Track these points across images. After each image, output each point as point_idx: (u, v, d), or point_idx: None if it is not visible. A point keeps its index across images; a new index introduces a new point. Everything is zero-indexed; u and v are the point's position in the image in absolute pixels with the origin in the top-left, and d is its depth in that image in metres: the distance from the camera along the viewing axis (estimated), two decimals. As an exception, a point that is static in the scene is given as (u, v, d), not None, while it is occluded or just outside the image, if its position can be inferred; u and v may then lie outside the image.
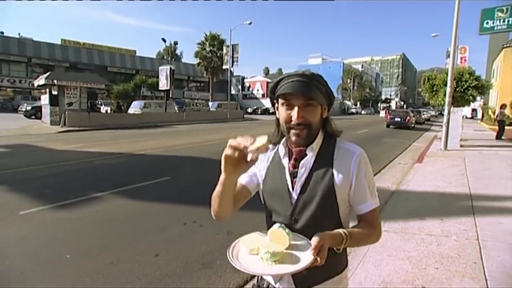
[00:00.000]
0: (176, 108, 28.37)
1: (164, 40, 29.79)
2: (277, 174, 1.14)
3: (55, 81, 19.47)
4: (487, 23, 13.48)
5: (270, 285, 1.18)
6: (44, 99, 21.27)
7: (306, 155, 1.10)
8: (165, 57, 55.33)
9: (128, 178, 6.38)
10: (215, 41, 35.51)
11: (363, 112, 59.25)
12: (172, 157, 8.98)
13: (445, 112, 11.08)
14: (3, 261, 3.17)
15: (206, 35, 36.23)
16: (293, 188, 1.11)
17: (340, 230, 1.01)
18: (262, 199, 1.21)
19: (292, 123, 1.06)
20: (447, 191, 5.66)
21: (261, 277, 1.22)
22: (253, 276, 1.73)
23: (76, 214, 4.42)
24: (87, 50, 44.13)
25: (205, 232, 3.90)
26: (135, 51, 50.41)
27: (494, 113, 20.03)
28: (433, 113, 43.75)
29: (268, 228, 1.09)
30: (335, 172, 1.07)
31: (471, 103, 13.99)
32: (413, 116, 23.56)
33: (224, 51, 33.15)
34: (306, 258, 0.92)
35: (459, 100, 12.53)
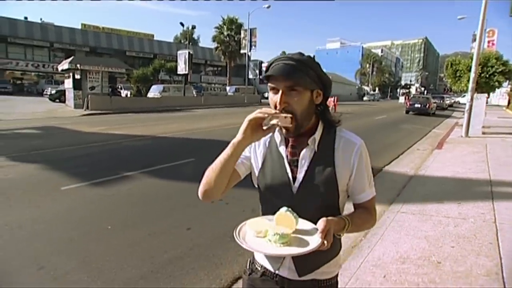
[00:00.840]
0: (194, 93, 28.70)
1: (182, 24, 29.98)
2: (276, 163, 1.12)
3: (78, 65, 20.01)
4: None
5: (266, 271, 1.18)
6: (68, 83, 21.95)
7: (304, 141, 1.09)
8: (182, 41, 55.48)
9: (153, 159, 6.72)
10: (233, 25, 35.29)
11: (365, 98, 53.54)
12: (194, 140, 9.29)
13: (468, 98, 10.88)
14: (54, 230, 3.53)
15: (223, 19, 36.02)
16: (294, 178, 1.09)
17: (343, 216, 1.04)
18: (256, 185, 1.18)
19: (277, 108, 1.02)
20: (466, 177, 5.72)
21: (253, 261, 1.24)
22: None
23: (111, 191, 4.77)
24: (106, 35, 44.66)
25: (230, 209, 4.15)
26: (153, 35, 50.66)
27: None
28: (457, 99, 42.52)
29: (263, 214, 1.14)
30: (336, 163, 1.07)
31: (496, 89, 13.64)
32: (434, 102, 23.38)
33: (242, 35, 32.96)
34: (313, 241, 0.93)
35: (484, 86, 12.29)
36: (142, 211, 4.11)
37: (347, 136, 1.11)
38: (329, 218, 0.95)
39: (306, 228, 1.00)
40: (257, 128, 1.00)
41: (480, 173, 5.97)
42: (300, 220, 1.01)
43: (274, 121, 0.97)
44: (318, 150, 1.08)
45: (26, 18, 39.73)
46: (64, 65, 20.96)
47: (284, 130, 1.06)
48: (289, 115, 0.97)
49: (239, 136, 1.01)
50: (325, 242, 0.91)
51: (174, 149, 8.01)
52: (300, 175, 1.08)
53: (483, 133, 11.16)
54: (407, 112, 22.22)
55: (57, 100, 25.06)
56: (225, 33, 35.69)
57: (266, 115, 0.97)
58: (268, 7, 29.19)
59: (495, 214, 3.91)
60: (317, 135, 1.09)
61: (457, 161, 6.98)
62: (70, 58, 21.09)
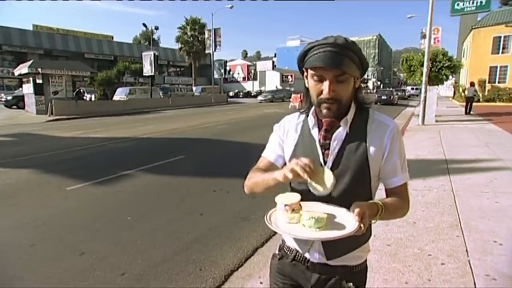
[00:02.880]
0: (160, 94, 28.47)
1: (145, 25, 29.58)
2: (308, 146, 1.12)
3: (40, 69, 19.19)
4: (457, 4, 13.95)
5: (296, 255, 1.18)
6: (27, 88, 20.90)
7: (337, 126, 1.08)
8: (141, 42, 54.18)
9: (145, 158, 7.00)
10: (196, 25, 35.33)
11: None
12: (176, 139, 9.60)
13: (422, 91, 12.17)
14: (77, 223, 3.83)
15: (186, 19, 35.93)
16: (324, 161, 1.08)
17: (376, 201, 1.00)
18: None
19: (323, 97, 1.02)
20: (426, 158, 6.67)
21: (283, 246, 1.24)
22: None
23: (116, 188, 5.07)
24: (61, 36, 42.48)
25: (233, 196, 4.65)
26: (112, 37, 48.95)
27: (464, 91, 21.57)
28: (412, 92, 46.52)
29: None
30: (368, 145, 1.05)
31: (444, 82, 15.24)
32: (397, 94, 29.41)
33: (206, 35, 33.12)
34: (350, 225, 0.91)
35: (434, 79, 13.69)
36: (154, 203, 4.48)
37: (380, 119, 1.10)
38: (362, 202, 0.94)
39: (340, 213, 0.98)
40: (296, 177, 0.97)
41: (437, 154, 6.96)
42: (333, 206, 1.01)
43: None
44: (351, 132, 1.07)
45: (-32, 19, 36.80)
46: (22, 69, 19.98)
47: (325, 112, 1.05)
48: (330, 181, 0.97)
49: (281, 177, 1.00)
50: (362, 226, 0.89)
51: (160, 148, 8.29)
52: (331, 157, 1.07)
53: (436, 121, 12.52)
54: (376, 103, 25.64)
55: (14, 106, 23.74)
56: (189, 34, 35.62)
57: (304, 176, 0.94)
58: (231, 7, 29.63)
59: (452, 184, 4.78)
60: (349, 116, 1.07)
61: (418, 146, 7.98)
62: (29, 62, 20.17)
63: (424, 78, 11.95)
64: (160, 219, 3.92)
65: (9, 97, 25.08)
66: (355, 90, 1.09)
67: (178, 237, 3.45)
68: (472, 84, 16.65)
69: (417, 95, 44.64)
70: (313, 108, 1.11)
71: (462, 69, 20.36)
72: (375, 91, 31.99)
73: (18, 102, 23.47)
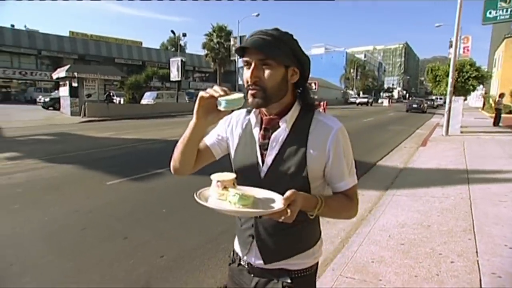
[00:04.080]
0: (186, 99, 29.40)
1: (173, 32, 30.69)
2: (248, 145, 1.10)
3: (76, 73, 20.47)
4: (490, 13, 13.54)
5: (241, 260, 1.17)
6: (64, 91, 22.27)
7: (277, 126, 1.04)
8: (168, 48, 56.01)
9: (175, 159, 7.47)
10: (222, 33, 36.23)
11: (358, 101, 51.33)
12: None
13: (447, 101, 12.10)
14: (119, 213, 4.30)
15: (213, 26, 36.93)
16: (263, 161, 1.05)
17: (316, 195, 0.98)
18: (233, 168, 1.14)
19: (247, 83, 0.98)
20: (447, 168, 6.76)
21: (234, 251, 1.24)
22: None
23: (150, 184, 5.54)
24: (94, 42, 44.77)
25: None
26: (141, 43, 51.08)
27: (494, 101, 20.99)
28: (440, 102, 46.27)
29: None
30: (309, 148, 1.01)
31: (472, 92, 15.01)
32: (426, 103, 33.01)
33: (232, 42, 33.95)
34: (276, 207, 0.88)
35: (460, 89, 13.57)
36: (185, 198, 4.86)
37: (324, 120, 1.05)
38: (299, 192, 0.89)
39: (275, 198, 0.94)
40: (210, 109, 0.96)
41: (459, 164, 7.02)
42: (269, 191, 0.97)
43: (223, 104, 0.93)
44: (291, 133, 1.03)
45: (13, 26, 39.59)
46: (60, 73, 21.33)
47: (250, 100, 1.00)
48: (241, 94, 0.94)
49: (193, 117, 0.99)
50: (288, 211, 0.85)
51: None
52: (269, 158, 1.04)
53: (461, 132, 12.38)
54: (407, 110, 29.59)
55: (51, 108, 25.24)
56: (215, 40, 36.56)
57: (215, 94, 0.93)
58: (258, 15, 30.29)
59: (470, 193, 4.90)
60: (289, 115, 1.04)
61: (440, 156, 8.04)
62: (67, 66, 21.50)
63: (449, 89, 11.89)
64: (191, 212, 4.31)
65: (47, 99, 26.74)
66: (297, 86, 1.06)
67: (208, 229, 3.82)
68: (501, 95, 16.26)
69: (443, 105, 44.20)
70: None
71: (492, 79, 19.87)
72: (405, 100, 36.25)
73: (54, 104, 24.96)
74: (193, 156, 1.09)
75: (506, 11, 13.49)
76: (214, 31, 36.76)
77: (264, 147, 1.06)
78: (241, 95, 0.93)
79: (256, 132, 1.09)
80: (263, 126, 1.07)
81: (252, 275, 1.14)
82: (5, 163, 6.84)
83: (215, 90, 0.93)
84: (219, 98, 0.93)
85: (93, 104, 20.50)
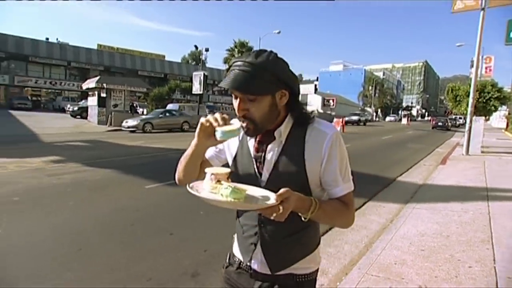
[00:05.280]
0: (207, 111, 30.27)
1: (196, 47, 31.83)
2: (245, 157, 1.11)
3: (105, 84, 21.62)
4: None
5: (241, 263, 1.18)
6: (92, 101, 23.47)
7: (273, 138, 1.05)
8: (189, 61, 57.83)
9: (203, 167, 7.96)
10: (244, 48, 37.30)
11: (387, 119, 54.80)
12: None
13: (467, 121, 12.22)
14: (162, 213, 4.75)
15: (235, 42, 38.12)
16: (260, 173, 1.07)
17: (311, 197, 0.97)
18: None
19: (238, 115, 1.01)
20: (467, 185, 6.94)
21: (233, 254, 1.25)
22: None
23: (185, 189, 5.97)
24: (120, 55, 46.77)
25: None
26: (164, 56, 52.94)
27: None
28: (461, 121, 46.31)
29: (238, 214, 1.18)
30: (306, 156, 1.02)
31: (493, 112, 15.04)
32: (450, 122, 36.89)
33: (252, 58, 34.85)
34: (268, 202, 0.88)
35: (481, 110, 13.66)
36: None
37: (319, 127, 1.05)
38: (293, 192, 0.89)
39: (269, 196, 0.92)
40: (209, 134, 0.98)
41: (478, 182, 7.19)
42: (263, 189, 0.98)
43: (219, 134, 0.95)
44: (286, 143, 1.04)
45: (47, 39, 42.07)
46: (90, 84, 22.57)
47: (247, 131, 1.02)
48: (238, 125, 0.97)
49: (195, 138, 1.02)
50: (281, 207, 0.85)
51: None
52: (266, 171, 1.06)
53: (482, 152, 12.40)
54: (433, 127, 33.95)
55: (78, 116, 26.52)
56: (236, 56, 37.68)
57: (214, 124, 0.96)
58: (279, 32, 31.19)
59: (489, 208, 5.12)
60: (283, 127, 1.04)
61: (459, 174, 8.20)
62: (97, 78, 22.73)
63: (469, 109, 12.03)
64: (226, 215, 4.70)
65: (75, 108, 28.12)
66: (289, 106, 1.05)
67: (242, 230, 4.20)
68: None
69: (463, 124, 44.17)
70: None
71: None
72: (422, 118, 38.85)
73: (82, 113, 26.24)
74: (196, 169, 1.14)
75: (530, 31, 13.57)
76: (235, 46, 37.90)
77: (258, 160, 1.08)
78: (238, 126, 0.97)
79: (251, 145, 1.11)
80: (257, 139, 1.09)
81: (255, 279, 1.15)
82: (52, 165, 7.50)
83: (215, 118, 0.97)
84: (216, 128, 0.96)
85: (119, 113, 21.49)
